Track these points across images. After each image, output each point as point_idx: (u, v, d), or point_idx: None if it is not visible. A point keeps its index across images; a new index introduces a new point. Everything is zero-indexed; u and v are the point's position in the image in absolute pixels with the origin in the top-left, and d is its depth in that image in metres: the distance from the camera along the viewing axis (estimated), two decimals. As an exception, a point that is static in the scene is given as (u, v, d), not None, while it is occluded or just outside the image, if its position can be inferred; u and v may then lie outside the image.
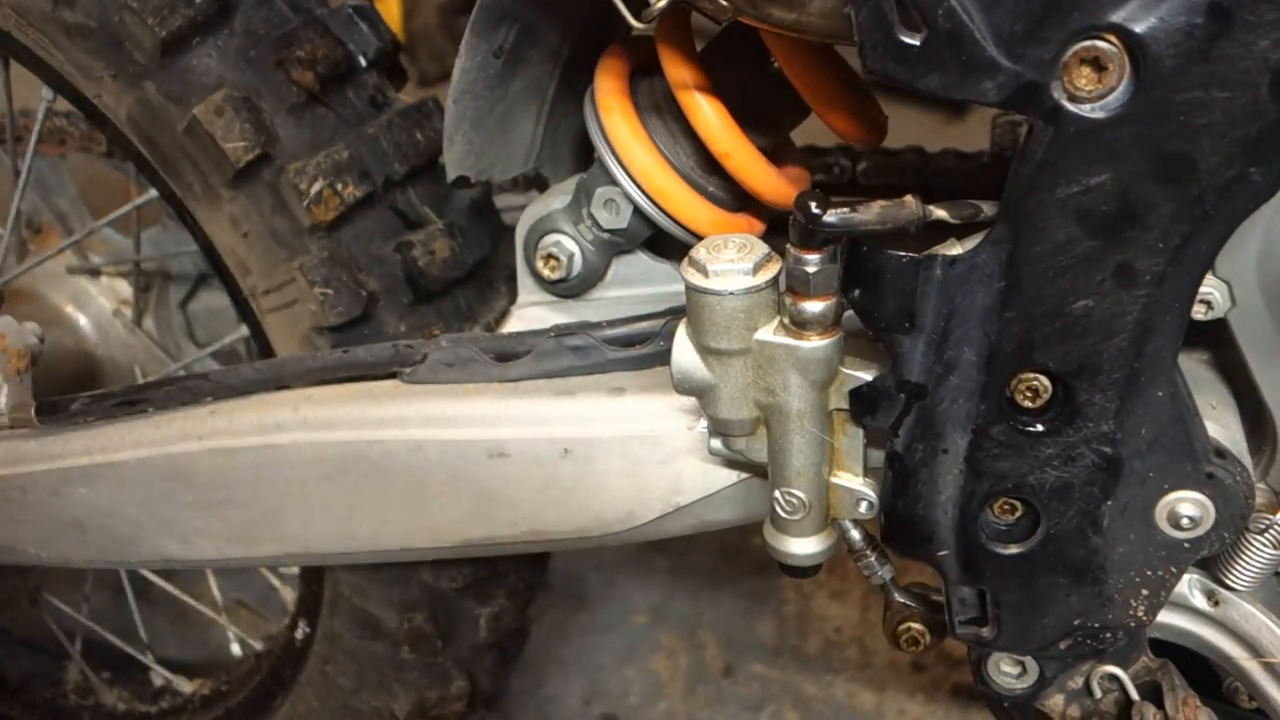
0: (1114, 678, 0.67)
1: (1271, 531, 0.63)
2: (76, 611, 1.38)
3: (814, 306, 0.60)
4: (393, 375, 0.82)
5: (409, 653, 1.04)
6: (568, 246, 0.82)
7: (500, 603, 1.07)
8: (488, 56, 0.78)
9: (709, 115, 0.71)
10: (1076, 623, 0.65)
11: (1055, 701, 0.69)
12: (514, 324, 0.87)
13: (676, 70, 0.72)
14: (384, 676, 1.07)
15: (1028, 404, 0.60)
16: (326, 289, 0.89)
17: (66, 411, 0.88)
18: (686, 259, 0.62)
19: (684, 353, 0.65)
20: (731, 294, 0.61)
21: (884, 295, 0.60)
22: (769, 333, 0.62)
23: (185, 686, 1.35)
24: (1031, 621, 0.66)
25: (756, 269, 0.61)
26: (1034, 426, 0.60)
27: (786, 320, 0.61)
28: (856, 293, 0.60)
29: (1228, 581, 0.65)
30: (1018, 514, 0.64)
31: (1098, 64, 0.52)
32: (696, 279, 0.61)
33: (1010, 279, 0.57)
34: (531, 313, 0.86)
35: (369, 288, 0.90)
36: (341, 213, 0.88)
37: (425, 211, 0.94)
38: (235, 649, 1.32)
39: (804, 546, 0.69)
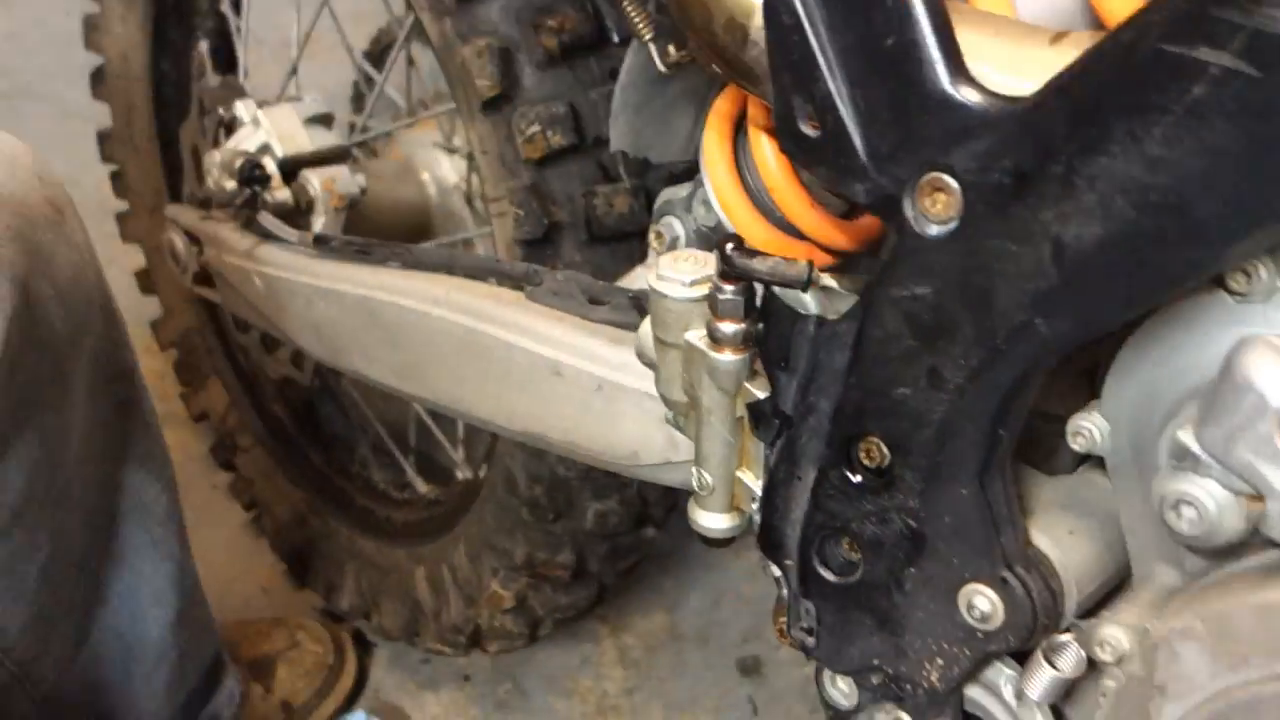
0: (905, 725, 0.75)
1: (1056, 656, 0.68)
2: (370, 408, 1.77)
3: (725, 327, 0.73)
4: (522, 289, 1.04)
5: (527, 515, 1.28)
6: (675, 228, 0.98)
7: (611, 505, 1.27)
8: (649, 57, 0.95)
9: (762, 148, 0.84)
10: (876, 662, 0.74)
11: (863, 727, 0.78)
12: (633, 278, 1.05)
13: (753, 105, 0.85)
14: (511, 526, 1.32)
15: (867, 462, 0.70)
16: (520, 210, 1.12)
17: (328, 246, 1.19)
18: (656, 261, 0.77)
19: (645, 334, 0.80)
20: (669, 297, 0.75)
21: (771, 334, 0.72)
22: (696, 337, 0.76)
23: (422, 488, 1.69)
24: (842, 645, 0.75)
25: (694, 283, 0.75)
26: (859, 482, 0.70)
27: (707, 332, 0.75)
28: (760, 325, 0.73)
29: (1023, 687, 0.70)
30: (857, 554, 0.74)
31: (944, 193, 0.61)
32: (650, 277, 0.76)
33: (855, 352, 0.67)
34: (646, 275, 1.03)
35: (555, 218, 1.12)
36: (546, 154, 1.10)
37: (621, 172, 1.14)
38: (460, 474, 1.63)
39: (708, 520, 0.82)
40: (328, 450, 1.84)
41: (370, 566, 1.66)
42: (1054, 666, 0.68)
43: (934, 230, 0.61)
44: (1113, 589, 0.71)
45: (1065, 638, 0.68)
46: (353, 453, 1.84)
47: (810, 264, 0.69)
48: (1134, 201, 0.52)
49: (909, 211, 0.62)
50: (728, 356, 0.74)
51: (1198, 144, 0.49)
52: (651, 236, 1.00)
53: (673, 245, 0.99)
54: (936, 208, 0.61)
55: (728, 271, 0.72)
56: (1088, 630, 0.65)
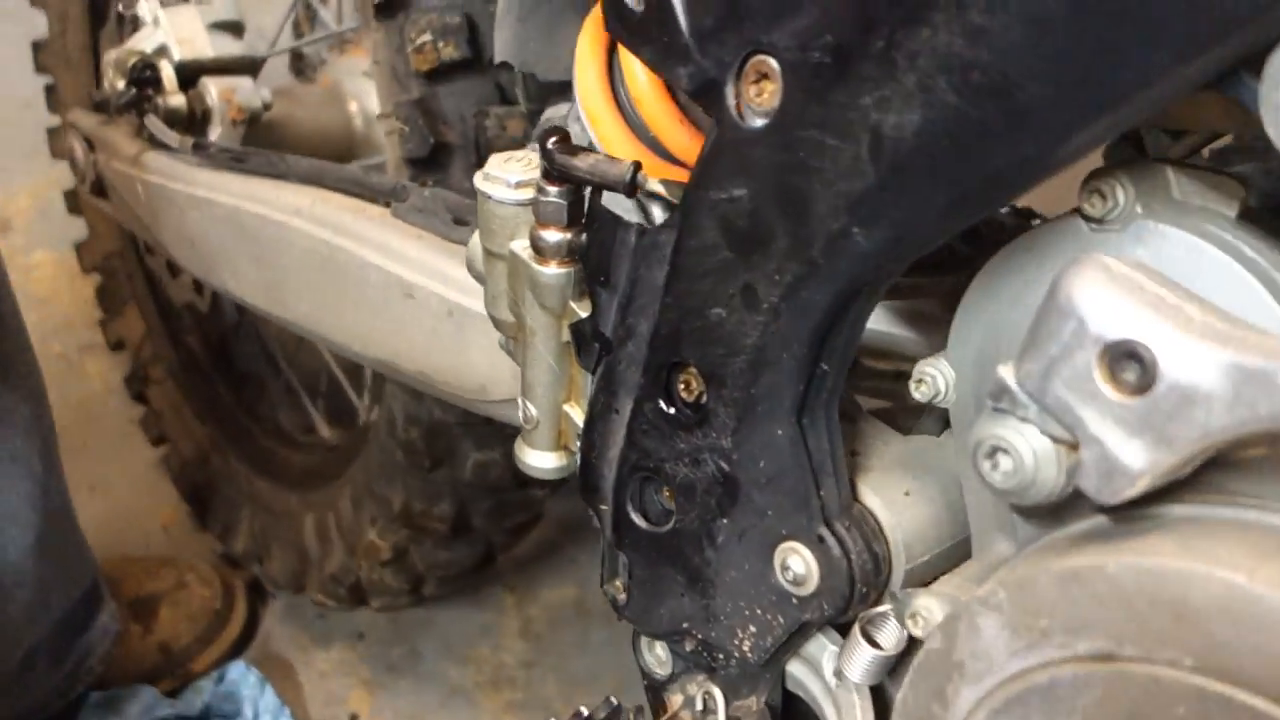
0: (715, 698, 0.67)
1: (875, 630, 0.60)
2: (284, 355, 1.69)
3: (547, 234, 0.65)
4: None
5: (403, 459, 1.20)
6: (553, 149, 0.89)
7: (492, 456, 1.19)
8: (533, -41, 0.87)
9: (630, 56, 0.76)
10: (685, 625, 0.66)
11: (675, 699, 0.70)
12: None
13: (626, 11, 0.76)
14: (390, 472, 1.24)
15: (685, 395, 0.62)
16: (404, 126, 1.03)
17: (205, 153, 1.11)
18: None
19: (474, 245, 0.72)
20: (492, 199, 0.67)
21: (593, 244, 0.64)
22: (520, 247, 0.68)
23: (325, 433, 1.61)
24: (651, 604, 0.67)
25: (520, 185, 0.67)
26: (672, 415, 0.62)
27: (530, 241, 0.67)
28: (584, 235, 0.64)
29: (841, 665, 0.62)
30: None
31: (769, 80, 0.53)
32: (477, 177, 0.68)
33: (673, 266, 0.59)
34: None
35: (444, 138, 1.04)
36: (437, 67, 1.02)
37: (518, 94, 1.05)
38: (361, 419, 1.55)
39: (534, 458, 0.74)
40: (238, 388, 1.77)
41: (265, 511, 1.58)
42: (871, 642, 0.60)
43: (755, 121, 0.53)
44: (958, 562, 0.63)
45: (883, 609, 0.60)
46: (263, 393, 1.76)
47: (635, 164, 0.61)
48: (955, 83, 0.44)
49: (730, 99, 0.54)
50: (551, 270, 0.66)
51: (1020, 8, 0.41)
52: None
53: (549, 168, 0.90)
54: (762, 97, 0.53)
55: (549, 170, 0.63)
56: (904, 600, 0.57)
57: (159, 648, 1.57)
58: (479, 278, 0.73)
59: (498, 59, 0.94)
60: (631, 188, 0.61)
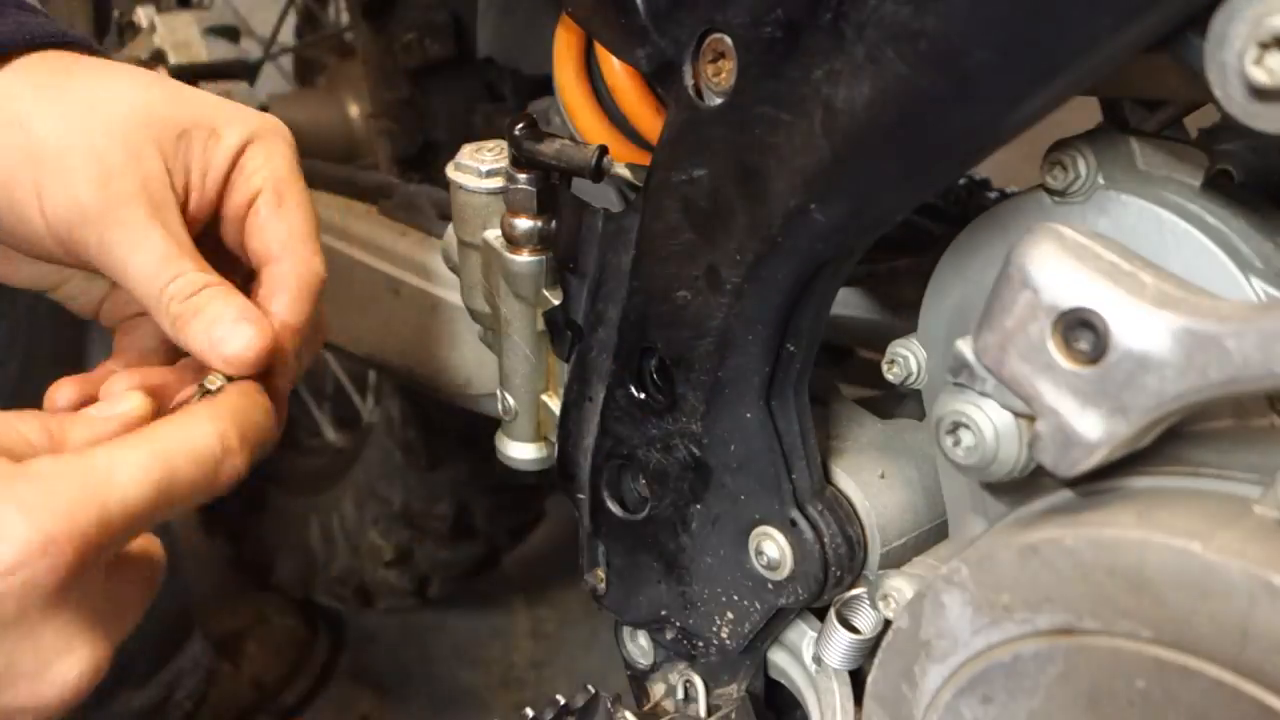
0: (695, 686, 0.66)
1: (850, 614, 0.59)
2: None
3: (518, 222, 0.65)
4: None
5: (401, 458, 1.20)
6: (537, 143, 0.89)
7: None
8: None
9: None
10: (664, 613, 0.65)
11: (657, 688, 0.69)
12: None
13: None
14: (390, 472, 1.24)
15: (655, 379, 0.61)
16: (394, 124, 1.03)
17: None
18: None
19: (449, 236, 0.72)
20: (464, 188, 0.67)
21: (561, 231, 0.63)
22: (493, 236, 0.67)
23: (331, 436, 1.62)
24: (630, 592, 0.67)
25: (490, 174, 0.66)
26: (643, 400, 0.61)
27: (501, 230, 0.67)
28: (554, 222, 0.64)
29: (819, 650, 0.62)
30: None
31: (726, 59, 0.52)
32: (449, 168, 0.68)
33: (638, 250, 0.59)
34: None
35: (432, 138, 1.04)
36: (424, 65, 1.02)
37: (508, 92, 1.05)
38: (365, 422, 1.55)
39: (514, 449, 0.74)
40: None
41: (272, 515, 1.58)
42: (847, 626, 0.59)
43: (712, 101, 0.52)
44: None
45: (857, 592, 0.59)
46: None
47: (601, 148, 0.61)
48: (903, 52, 0.44)
49: (688, 79, 0.53)
50: (523, 258, 0.66)
51: (963, -29, 0.41)
52: (513, 151, 0.92)
53: (534, 161, 0.90)
54: (719, 77, 0.52)
55: (517, 157, 0.63)
56: (876, 582, 0.56)
57: (252, 684, 1.52)
58: (455, 269, 0.73)
59: (481, 54, 0.94)
60: (597, 172, 0.61)
